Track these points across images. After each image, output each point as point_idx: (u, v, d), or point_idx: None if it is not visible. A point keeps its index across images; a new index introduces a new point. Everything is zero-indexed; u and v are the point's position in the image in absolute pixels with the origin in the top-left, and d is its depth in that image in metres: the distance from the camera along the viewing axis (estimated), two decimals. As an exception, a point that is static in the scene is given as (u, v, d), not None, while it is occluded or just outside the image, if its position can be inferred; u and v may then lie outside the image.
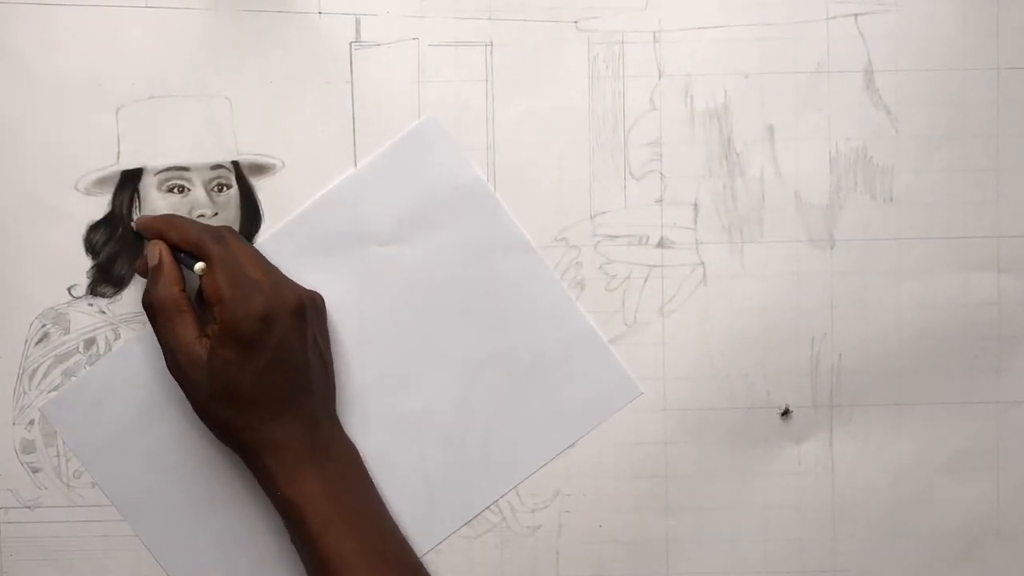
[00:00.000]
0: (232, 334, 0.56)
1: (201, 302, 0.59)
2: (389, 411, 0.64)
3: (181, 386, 0.59)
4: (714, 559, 0.65)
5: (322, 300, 0.62)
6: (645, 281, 0.65)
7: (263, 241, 0.63)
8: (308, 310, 0.59)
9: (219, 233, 0.59)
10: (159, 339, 0.59)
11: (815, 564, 0.65)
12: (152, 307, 0.58)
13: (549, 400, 0.64)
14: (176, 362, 0.58)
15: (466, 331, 0.64)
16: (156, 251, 0.59)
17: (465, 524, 0.65)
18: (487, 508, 0.65)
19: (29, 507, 0.64)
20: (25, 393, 0.64)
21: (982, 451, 0.65)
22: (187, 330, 0.58)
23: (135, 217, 0.64)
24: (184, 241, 0.59)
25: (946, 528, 0.65)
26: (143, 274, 0.61)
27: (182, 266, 0.59)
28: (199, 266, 0.58)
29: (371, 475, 0.63)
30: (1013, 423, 0.65)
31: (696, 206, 0.64)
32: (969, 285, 0.64)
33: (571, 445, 0.65)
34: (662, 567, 0.65)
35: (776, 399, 0.65)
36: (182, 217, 0.62)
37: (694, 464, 0.65)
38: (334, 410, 0.63)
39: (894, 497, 0.65)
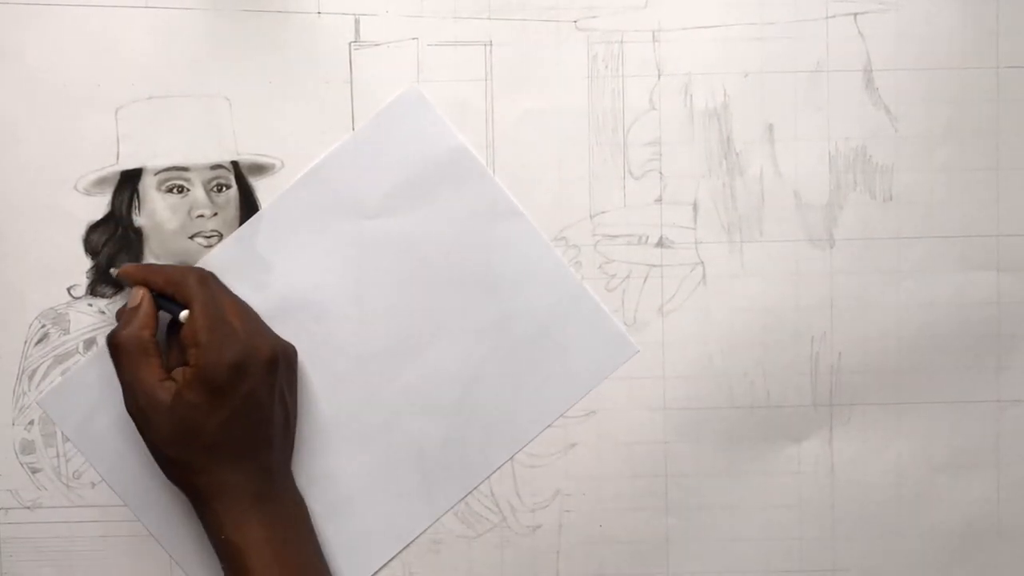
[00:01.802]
0: (203, 379, 0.56)
1: (169, 341, 0.60)
2: (387, 385, 0.64)
3: (137, 425, 0.58)
4: (714, 558, 0.66)
5: (294, 352, 0.62)
6: (645, 281, 0.65)
7: (248, 227, 0.63)
8: (280, 363, 0.59)
9: (203, 276, 0.60)
10: (120, 378, 0.58)
11: (815, 563, 0.65)
12: (118, 347, 0.58)
13: (547, 364, 0.64)
14: (136, 403, 0.57)
15: (461, 300, 0.64)
16: (139, 295, 0.59)
17: (466, 495, 0.64)
18: (486, 479, 0.64)
19: (29, 508, 0.64)
20: (25, 393, 0.64)
21: (981, 450, 0.65)
22: (151, 372, 0.57)
23: (135, 217, 0.64)
24: (168, 283, 0.59)
25: (946, 527, 0.65)
26: (119, 318, 0.61)
27: (165, 312, 0.59)
28: (184, 314, 0.58)
29: (370, 454, 0.63)
30: (1012, 422, 0.65)
31: (695, 205, 0.64)
32: (968, 284, 0.64)
33: (569, 408, 0.64)
34: (662, 567, 0.65)
35: (776, 398, 0.65)
36: (163, 264, 0.62)
37: (694, 463, 0.65)
38: (289, 464, 0.63)
39: (894, 496, 0.65)
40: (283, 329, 0.62)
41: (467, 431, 0.64)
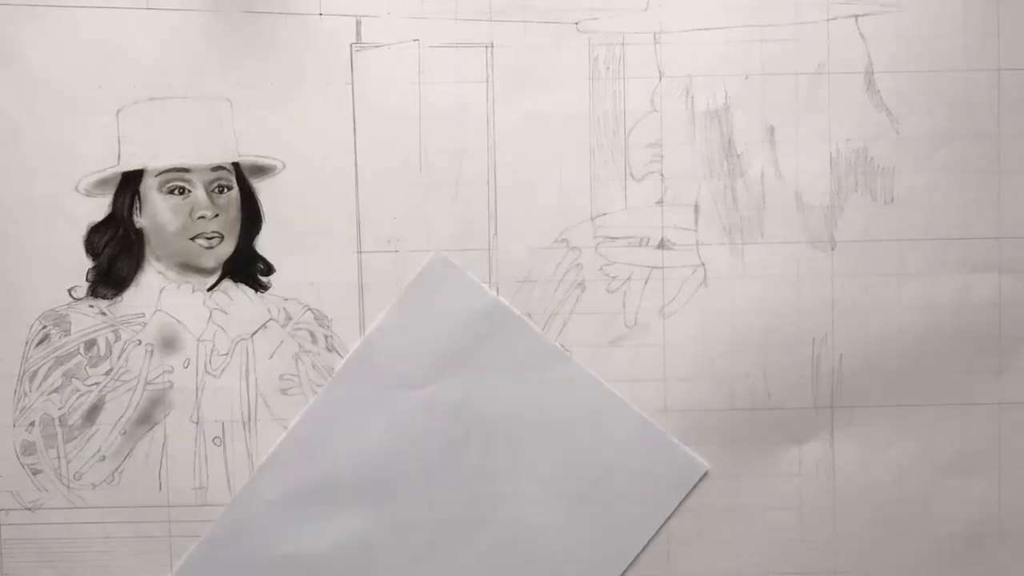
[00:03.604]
0: None
1: None
2: (461, 557, 0.64)
3: None
4: (714, 559, 0.65)
5: None
6: (646, 282, 0.65)
7: (303, 422, 0.64)
8: None
9: None
10: None
11: (816, 565, 0.65)
12: None
13: (618, 501, 0.64)
14: None
15: (522, 453, 0.64)
16: None
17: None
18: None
19: (30, 509, 0.64)
20: (26, 395, 0.64)
21: (983, 452, 0.65)
22: None
23: (136, 218, 0.64)
24: None
25: (947, 529, 0.65)
26: None
27: None
28: None
29: None
30: (1014, 424, 0.65)
31: (697, 207, 0.64)
32: (970, 286, 0.64)
33: (648, 542, 0.64)
34: (662, 567, 0.65)
35: (777, 400, 0.65)
36: None
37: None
38: None
39: (895, 498, 0.65)
40: (357, 518, 0.63)
41: None
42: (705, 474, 0.64)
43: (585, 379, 0.64)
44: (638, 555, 0.65)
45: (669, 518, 0.64)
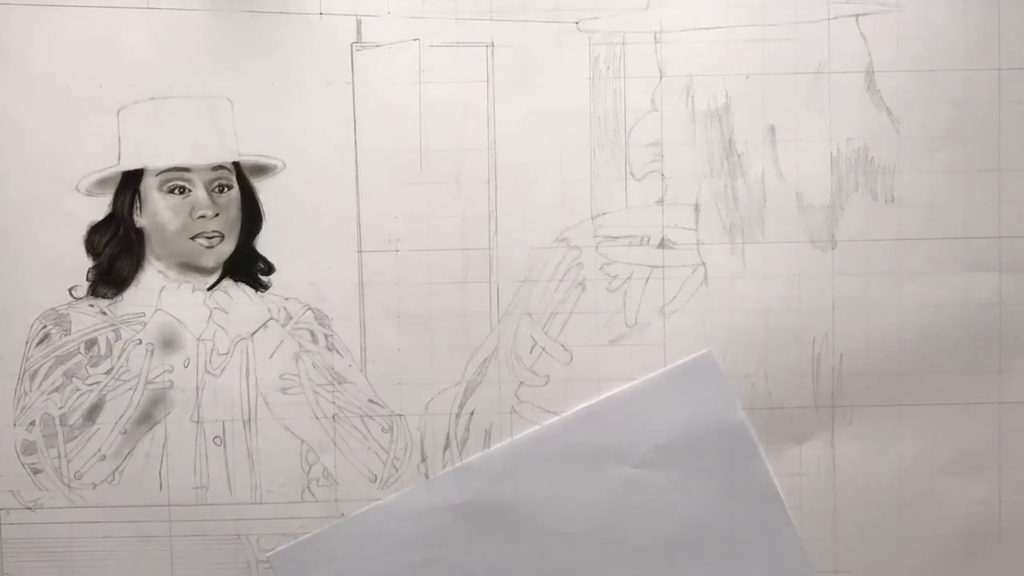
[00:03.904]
0: None
1: None
2: None
3: None
4: (715, 560, 0.66)
5: None
6: (646, 282, 0.65)
7: (522, 440, 0.64)
8: None
9: None
10: None
11: (816, 564, 0.65)
12: None
13: None
14: None
15: (697, 569, 0.64)
16: None
17: None
18: None
19: (30, 508, 0.64)
20: (26, 394, 0.64)
21: (983, 452, 0.65)
22: None
23: (136, 218, 0.64)
24: None
25: (947, 528, 0.65)
26: None
27: None
28: None
29: None
30: (1014, 424, 0.65)
31: (697, 207, 0.64)
32: (970, 286, 0.64)
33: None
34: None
35: (777, 400, 0.65)
36: None
37: (695, 465, 0.65)
38: None
39: (895, 497, 0.65)
40: (542, 561, 0.63)
41: None
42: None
43: (786, 530, 0.64)
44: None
45: None
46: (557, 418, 0.64)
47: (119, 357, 0.64)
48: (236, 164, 0.64)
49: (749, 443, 0.63)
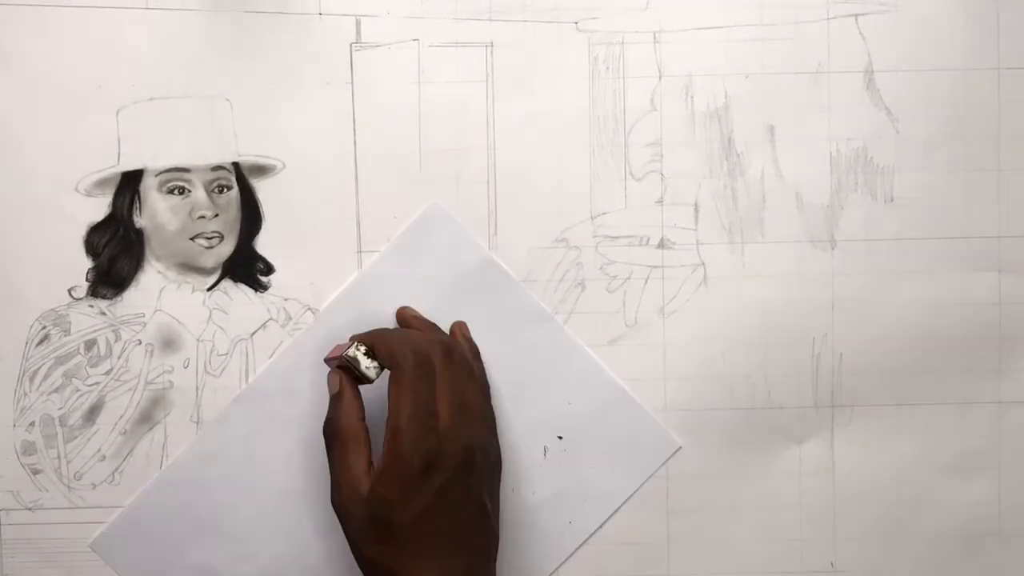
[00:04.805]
0: (394, 471, 0.53)
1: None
2: None
3: (339, 520, 0.56)
4: (715, 559, 0.65)
5: (500, 457, 0.61)
6: (646, 282, 0.65)
7: (283, 350, 0.64)
8: (480, 465, 0.56)
9: (422, 358, 0.55)
10: (330, 469, 0.56)
11: (816, 565, 0.65)
12: (334, 437, 0.56)
13: (591, 468, 0.64)
14: (339, 496, 0.55)
15: (501, 410, 0.64)
16: (336, 381, 0.58)
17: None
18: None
19: (30, 509, 0.64)
20: (26, 395, 0.64)
21: (983, 452, 0.65)
22: (357, 462, 0.55)
23: (136, 218, 0.64)
24: (389, 359, 0.56)
25: (947, 529, 0.65)
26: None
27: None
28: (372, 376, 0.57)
29: None
30: (1014, 423, 0.65)
31: (697, 207, 0.64)
32: (970, 285, 0.64)
33: (616, 510, 0.65)
34: (663, 567, 0.65)
35: (777, 400, 0.65)
36: (393, 333, 0.58)
37: (695, 464, 0.65)
38: (493, 564, 0.58)
39: (895, 497, 0.65)
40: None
41: (518, 541, 0.64)
42: (679, 449, 0.64)
43: (568, 344, 0.64)
44: (637, 551, 0.65)
45: (638, 489, 0.65)
46: (312, 317, 0.64)
47: (119, 358, 0.64)
48: (235, 164, 0.64)
49: (503, 275, 0.64)
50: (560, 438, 0.64)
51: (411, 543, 0.54)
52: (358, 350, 0.57)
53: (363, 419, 0.57)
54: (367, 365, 0.57)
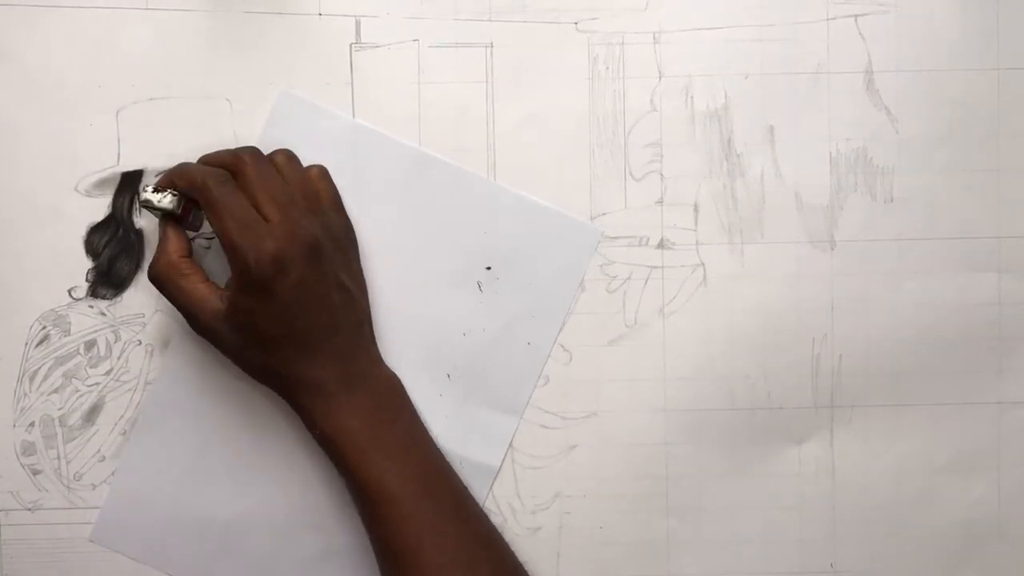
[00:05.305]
0: (246, 282, 0.55)
1: None
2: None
3: (211, 342, 0.59)
4: (714, 559, 0.65)
5: (349, 230, 0.62)
6: (645, 282, 0.65)
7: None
8: (326, 248, 0.57)
9: (222, 175, 0.57)
10: (175, 306, 0.59)
11: (815, 565, 0.65)
12: (156, 279, 0.59)
13: (529, 286, 0.64)
14: (198, 323, 0.58)
15: (426, 258, 0.63)
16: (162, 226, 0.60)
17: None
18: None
19: (30, 509, 0.64)
20: (26, 395, 0.64)
21: (983, 452, 0.65)
22: (196, 288, 0.58)
23: (136, 219, 0.64)
24: (192, 189, 0.57)
25: (946, 529, 0.65)
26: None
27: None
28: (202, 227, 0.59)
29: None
30: (1014, 424, 0.65)
31: (696, 207, 0.64)
32: (970, 286, 0.64)
33: (568, 314, 0.64)
34: (662, 567, 0.65)
35: (777, 400, 0.65)
36: (191, 165, 0.59)
37: (694, 465, 0.65)
38: (371, 342, 0.62)
39: (894, 498, 0.65)
40: None
41: (478, 385, 0.64)
42: (600, 239, 0.64)
43: (461, 177, 0.64)
44: (637, 551, 0.65)
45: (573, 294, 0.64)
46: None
47: (119, 358, 0.64)
48: (235, 165, 0.64)
49: (375, 135, 0.63)
50: (488, 268, 0.64)
51: (284, 339, 0.57)
52: (146, 190, 0.59)
53: (187, 255, 0.59)
54: (159, 198, 0.58)
